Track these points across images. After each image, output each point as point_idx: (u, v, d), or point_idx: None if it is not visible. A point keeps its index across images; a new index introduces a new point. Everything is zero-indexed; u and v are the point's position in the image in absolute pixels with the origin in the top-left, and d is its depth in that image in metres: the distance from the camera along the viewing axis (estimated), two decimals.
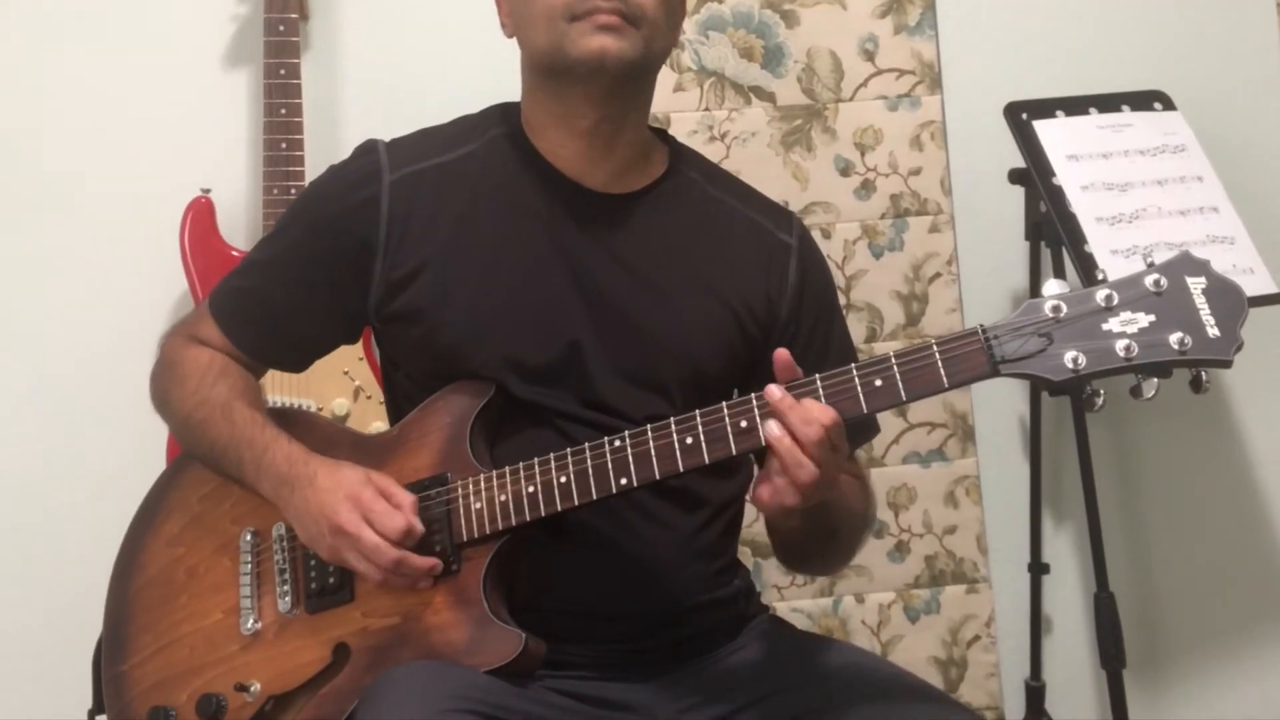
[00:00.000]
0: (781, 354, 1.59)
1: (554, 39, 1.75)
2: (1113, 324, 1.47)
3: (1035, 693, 2.91)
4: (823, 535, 1.76)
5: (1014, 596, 2.97)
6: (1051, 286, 1.50)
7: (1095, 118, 2.72)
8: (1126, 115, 2.74)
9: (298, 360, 1.96)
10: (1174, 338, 1.45)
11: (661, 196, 1.86)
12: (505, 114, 1.88)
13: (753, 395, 1.60)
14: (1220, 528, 3.09)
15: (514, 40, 1.85)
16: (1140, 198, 2.62)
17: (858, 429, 1.76)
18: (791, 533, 1.74)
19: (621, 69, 1.74)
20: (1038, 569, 2.91)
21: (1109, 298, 1.48)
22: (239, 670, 1.79)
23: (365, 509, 1.69)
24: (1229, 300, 1.48)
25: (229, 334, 1.89)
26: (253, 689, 1.77)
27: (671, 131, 1.97)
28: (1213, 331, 1.46)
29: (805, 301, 1.89)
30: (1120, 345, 1.46)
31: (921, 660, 2.89)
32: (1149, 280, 1.48)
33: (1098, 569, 2.70)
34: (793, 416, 1.55)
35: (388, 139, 1.88)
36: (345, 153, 1.89)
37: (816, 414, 1.54)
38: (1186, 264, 1.49)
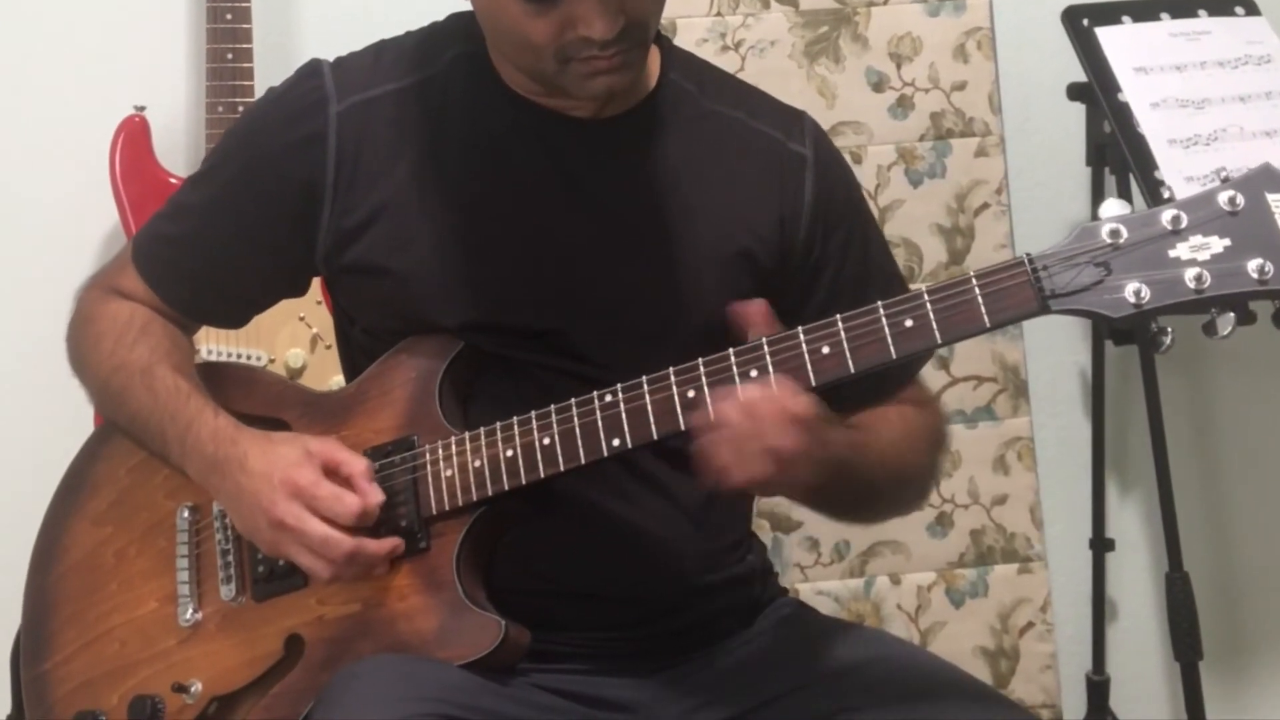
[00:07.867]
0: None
1: (542, 72, 1.73)
2: (1181, 250, 1.47)
3: (1098, 688, 2.94)
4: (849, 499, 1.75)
5: (1073, 577, 2.98)
6: (1110, 207, 1.49)
7: (1167, 24, 2.70)
8: (1203, 21, 2.72)
9: (235, 317, 1.96)
10: (1253, 264, 1.45)
11: (652, 117, 1.84)
12: (469, 29, 1.85)
13: (764, 340, 1.60)
14: None
15: None
16: (1219, 116, 2.61)
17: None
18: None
19: (627, 89, 1.76)
20: (1101, 545, 2.93)
21: (1176, 219, 1.47)
22: (177, 668, 1.80)
23: (308, 496, 1.69)
24: None
25: (155, 288, 1.88)
26: (193, 689, 1.78)
27: (678, 40, 1.96)
28: None
29: (827, 219, 1.86)
30: (1190, 275, 1.46)
31: (967, 651, 2.90)
32: (1223, 198, 1.48)
33: (1170, 545, 2.71)
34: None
35: (343, 53, 1.86)
36: (301, 63, 1.86)
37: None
38: (1267, 178, 1.48)
